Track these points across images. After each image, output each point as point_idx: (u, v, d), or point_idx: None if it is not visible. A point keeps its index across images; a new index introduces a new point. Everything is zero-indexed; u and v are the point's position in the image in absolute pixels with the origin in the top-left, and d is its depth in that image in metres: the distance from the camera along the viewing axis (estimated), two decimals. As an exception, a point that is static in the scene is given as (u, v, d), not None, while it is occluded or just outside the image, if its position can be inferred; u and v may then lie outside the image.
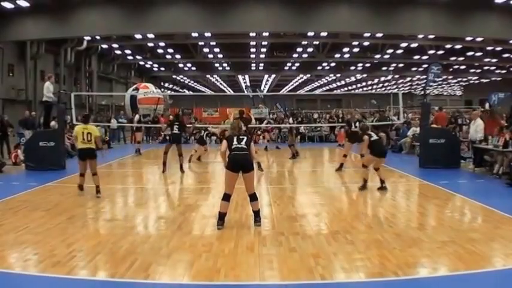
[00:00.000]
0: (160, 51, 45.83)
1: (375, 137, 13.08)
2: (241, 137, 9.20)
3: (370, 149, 12.95)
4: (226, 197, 8.92)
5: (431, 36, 35.31)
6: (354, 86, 75.21)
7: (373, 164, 13.08)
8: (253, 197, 9.11)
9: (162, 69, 58.75)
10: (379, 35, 34.81)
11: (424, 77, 42.93)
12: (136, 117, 24.31)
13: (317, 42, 43.26)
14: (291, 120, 26.71)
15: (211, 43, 42.24)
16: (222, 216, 8.85)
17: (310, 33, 35.20)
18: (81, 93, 37.58)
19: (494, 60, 49.07)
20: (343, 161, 16.95)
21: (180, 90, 74.47)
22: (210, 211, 10.36)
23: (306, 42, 42.32)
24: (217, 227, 8.71)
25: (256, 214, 9.09)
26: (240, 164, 8.92)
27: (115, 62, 48.93)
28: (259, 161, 16.40)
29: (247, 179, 9.02)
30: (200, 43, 43.44)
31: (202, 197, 12.34)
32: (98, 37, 37.30)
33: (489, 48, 43.30)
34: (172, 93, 66.24)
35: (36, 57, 35.15)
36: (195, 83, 73.92)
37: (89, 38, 36.88)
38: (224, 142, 9.42)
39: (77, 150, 12.75)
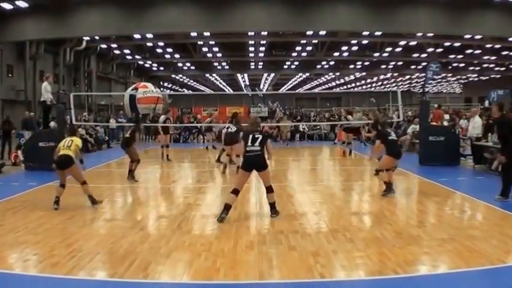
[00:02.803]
0: (159, 50, 45.79)
1: (393, 136, 12.54)
2: (256, 135, 9.51)
3: (387, 148, 12.23)
4: (235, 191, 9.35)
5: (430, 34, 35.26)
6: (353, 84, 75.11)
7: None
8: (269, 189, 9.53)
9: (162, 68, 58.70)
10: (378, 33, 34.76)
11: (423, 75, 42.88)
12: (162, 117, 23.15)
13: (316, 41, 43.21)
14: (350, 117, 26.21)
15: (211, 42, 42.20)
16: (227, 207, 9.22)
17: (309, 32, 35.19)
18: (80, 94, 37.50)
19: (493, 57, 48.95)
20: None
21: (180, 89, 74.41)
22: (210, 210, 10.37)
23: (304, 41, 42.29)
24: (218, 219, 9.08)
25: (272, 206, 9.63)
26: (252, 165, 9.43)
27: (114, 61, 48.89)
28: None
29: (262, 175, 9.56)
30: (199, 42, 43.38)
31: (201, 197, 12.34)
32: (97, 37, 37.24)
33: (488, 46, 43.17)
34: (172, 92, 66.20)
35: (36, 57, 35.13)
36: (194, 83, 73.87)
37: (88, 38, 36.84)
38: (242, 143, 9.99)
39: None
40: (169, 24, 27.74)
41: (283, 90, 73.21)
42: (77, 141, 11.24)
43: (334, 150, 24.84)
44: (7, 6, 26.40)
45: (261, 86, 69.30)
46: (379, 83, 74.88)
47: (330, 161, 18.56)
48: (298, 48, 45.36)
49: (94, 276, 6.44)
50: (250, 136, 9.50)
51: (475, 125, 17.10)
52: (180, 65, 56.09)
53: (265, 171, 9.49)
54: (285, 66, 56.97)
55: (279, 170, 17.24)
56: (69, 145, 11.02)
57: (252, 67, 57.23)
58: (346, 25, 28.80)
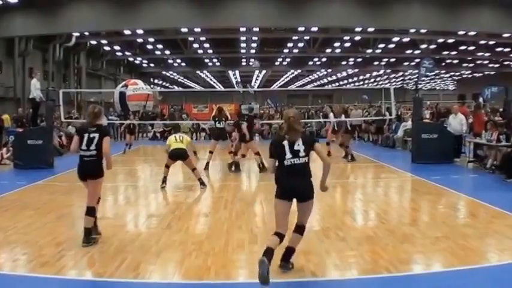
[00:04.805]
0: (149, 47, 45.58)
1: None
2: (297, 142, 6.32)
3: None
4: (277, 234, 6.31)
5: (423, 31, 35.26)
6: (346, 81, 75.17)
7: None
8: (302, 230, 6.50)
9: (152, 65, 58.53)
10: (371, 29, 34.74)
11: (417, 71, 42.98)
12: (127, 121, 22.22)
13: (308, 37, 43.18)
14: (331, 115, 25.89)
15: (201, 38, 42.06)
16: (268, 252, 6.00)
17: (301, 28, 35.12)
18: (69, 90, 37.34)
19: (487, 54, 49.12)
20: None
21: (170, 86, 74.25)
22: (200, 209, 10.31)
23: (296, 37, 42.25)
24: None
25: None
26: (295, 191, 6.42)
27: (104, 58, 48.64)
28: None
29: (305, 208, 6.50)
30: (190, 38, 43.18)
31: (192, 195, 12.27)
32: (86, 33, 37.05)
33: (482, 42, 43.26)
34: (162, 89, 66.08)
35: (25, 54, 34.88)
36: (185, 79, 73.73)
37: (77, 34, 36.64)
38: (271, 160, 6.65)
39: None
40: (160, 20, 27.64)
41: (275, 87, 73.18)
42: (187, 138, 13.24)
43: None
44: (-4, 2, 26.20)
45: (253, 83, 69.24)
46: (372, 80, 75.00)
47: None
48: (290, 44, 45.33)
49: (84, 276, 6.39)
50: (287, 144, 6.33)
51: (461, 122, 17.15)
52: (170, 61, 55.93)
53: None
54: (277, 63, 56.91)
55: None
56: (181, 140, 12.72)
57: (244, 63, 57.14)
58: (339, 21, 28.80)
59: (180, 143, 12.65)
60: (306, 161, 6.30)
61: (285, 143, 6.30)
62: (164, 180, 12.77)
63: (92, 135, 7.54)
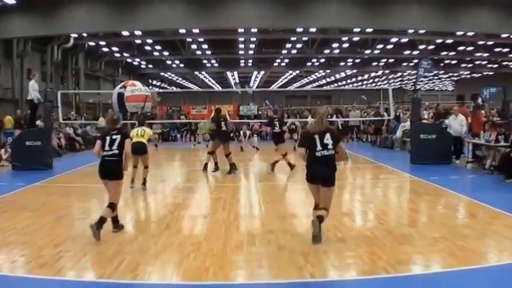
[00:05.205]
0: (148, 48, 45.57)
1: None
2: (327, 135, 7.56)
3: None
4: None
5: (421, 31, 35.27)
6: (344, 82, 75.13)
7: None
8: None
9: (150, 66, 58.50)
10: (369, 30, 34.77)
11: (415, 72, 42.94)
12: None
13: (306, 38, 43.18)
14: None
15: (199, 39, 42.06)
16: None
17: (299, 29, 35.14)
18: (68, 92, 37.28)
19: (485, 54, 49.05)
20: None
21: (168, 87, 74.18)
22: (199, 210, 10.29)
23: (295, 38, 42.25)
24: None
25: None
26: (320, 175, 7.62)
27: (102, 59, 48.60)
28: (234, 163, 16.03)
29: (327, 192, 7.67)
30: (188, 39, 43.20)
31: (190, 196, 12.25)
32: (84, 34, 37.02)
33: (480, 42, 43.27)
34: (160, 90, 66.01)
35: (23, 55, 34.84)
36: (184, 80, 73.69)
37: (75, 35, 36.61)
38: (301, 149, 7.87)
39: None
40: (158, 21, 27.62)
41: (273, 88, 73.13)
42: (149, 131, 13.13)
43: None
44: (-6, 3, 26.16)
45: (251, 84, 69.23)
46: (371, 81, 75.04)
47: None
48: (288, 45, 45.31)
49: (82, 277, 6.36)
50: (317, 137, 7.57)
51: (461, 123, 17.12)
52: (169, 62, 55.91)
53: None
54: (275, 64, 56.91)
55: (268, 169, 17.18)
56: (142, 134, 12.61)
57: (242, 64, 57.13)
58: (337, 22, 28.79)
59: (141, 137, 12.58)
60: (333, 153, 7.53)
61: (316, 136, 7.52)
62: (132, 180, 12.70)
63: (114, 137, 8.14)
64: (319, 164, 7.50)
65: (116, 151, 8.10)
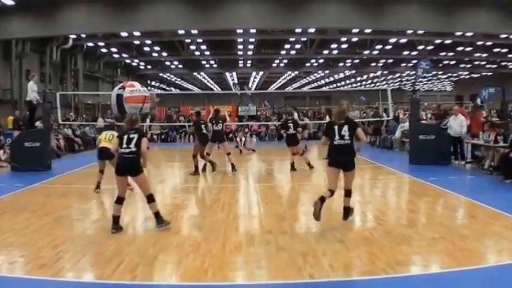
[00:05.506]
0: (146, 49, 45.50)
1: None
2: (345, 126, 8.59)
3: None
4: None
5: (420, 32, 35.20)
6: (343, 83, 75.11)
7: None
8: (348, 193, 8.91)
9: (149, 67, 58.39)
10: (368, 30, 34.69)
11: (414, 72, 42.94)
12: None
13: (305, 39, 43.14)
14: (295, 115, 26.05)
15: (198, 40, 41.98)
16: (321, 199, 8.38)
17: (298, 30, 35.07)
18: (66, 93, 37.19)
19: (484, 55, 48.94)
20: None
21: (167, 88, 74.14)
22: (197, 211, 10.30)
23: (293, 39, 42.22)
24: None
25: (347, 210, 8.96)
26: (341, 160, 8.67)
27: (101, 60, 48.50)
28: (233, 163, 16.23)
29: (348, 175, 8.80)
30: (187, 40, 43.13)
31: (189, 197, 12.26)
32: (83, 35, 36.96)
33: (479, 43, 43.15)
34: (159, 91, 65.96)
35: (22, 56, 34.76)
36: (183, 81, 73.66)
37: (74, 36, 36.56)
38: (324, 137, 9.05)
39: None
40: (157, 22, 27.58)
41: (272, 88, 73.14)
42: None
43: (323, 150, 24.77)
44: (-7, 4, 26.13)
45: (250, 85, 69.19)
46: (369, 81, 74.96)
47: (319, 160, 18.48)
48: (287, 46, 45.24)
49: (81, 278, 6.37)
50: (336, 128, 8.59)
51: (461, 123, 17.08)
52: (167, 63, 55.85)
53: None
54: (274, 64, 56.89)
55: (267, 169, 17.22)
56: (109, 139, 12.29)
57: (241, 65, 57.09)
58: (336, 22, 28.75)
59: (108, 142, 12.21)
60: (350, 142, 8.55)
61: (335, 127, 8.60)
62: (98, 186, 12.50)
63: (131, 136, 8.56)
64: (337, 151, 8.60)
65: (134, 149, 8.49)
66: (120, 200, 8.65)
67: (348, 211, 8.84)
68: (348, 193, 8.79)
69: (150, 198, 8.67)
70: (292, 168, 16.03)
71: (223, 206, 10.63)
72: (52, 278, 6.23)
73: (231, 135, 26.60)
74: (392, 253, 6.99)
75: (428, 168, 15.70)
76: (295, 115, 21.74)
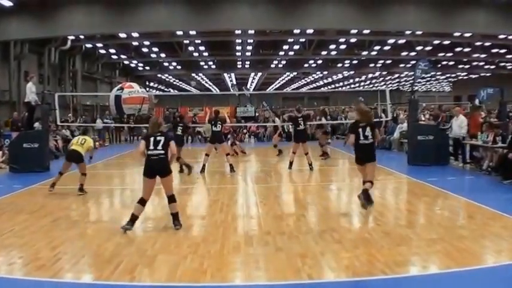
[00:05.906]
0: (145, 50, 45.53)
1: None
2: (367, 128, 9.78)
3: None
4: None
5: (419, 32, 35.28)
6: (341, 83, 75.19)
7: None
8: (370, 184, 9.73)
9: (147, 68, 58.42)
10: (366, 31, 34.69)
11: (412, 73, 42.93)
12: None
13: (303, 40, 43.16)
14: (277, 120, 26.22)
15: (197, 41, 41.98)
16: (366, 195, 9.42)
17: (297, 31, 35.07)
18: (65, 94, 37.18)
19: (483, 55, 49.05)
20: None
21: (165, 89, 74.15)
22: (196, 212, 10.29)
23: (292, 40, 42.24)
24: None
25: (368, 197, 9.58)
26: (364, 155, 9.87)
27: (99, 61, 48.52)
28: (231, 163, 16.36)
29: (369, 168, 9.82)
30: (185, 41, 43.17)
31: (188, 198, 12.25)
32: (82, 36, 36.94)
33: (478, 43, 43.23)
34: (158, 92, 65.97)
35: (20, 57, 34.76)
36: (181, 82, 73.64)
37: (73, 37, 36.54)
38: (351, 135, 10.00)
39: None
40: (155, 23, 27.59)
41: (270, 89, 73.18)
42: (90, 141, 12.90)
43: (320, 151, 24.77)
44: (-9, 5, 26.11)
45: (248, 85, 69.21)
46: (368, 82, 75.02)
47: (317, 161, 18.48)
48: (286, 46, 45.27)
49: (80, 279, 6.36)
50: (361, 129, 9.76)
51: (461, 124, 17.05)
52: (166, 64, 55.87)
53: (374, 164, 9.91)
54: (273, 65, 56.91)
55: (265, 170, 17.21)
56: (81, 143, 12.50)
57: (239, 66, 57.11)
58: (334, 23, 28.80)
59: (79, 146, 12.48)
60: (372, 141, 9.79)
61: (360, 129, 9.74)
62: (53, 185, 12.50)
63: (158, 138, 8.78)
64: (362, 150, 9.79)
65: (162, 151, 8.71)
66: (143, 202, 8.74)
67: (367, 195, 9.36)
68: (367, 183, 9.64)
69: (172, 199, 8.87)
70: (290, 166, 16.25)
71: (221, 206, 10.62)
72: (51, 279, 6.22)
73: (229, 136, 26.49)
74: (390, 254, 6.99)
75: (426, 169, 15.70)
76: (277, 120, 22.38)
